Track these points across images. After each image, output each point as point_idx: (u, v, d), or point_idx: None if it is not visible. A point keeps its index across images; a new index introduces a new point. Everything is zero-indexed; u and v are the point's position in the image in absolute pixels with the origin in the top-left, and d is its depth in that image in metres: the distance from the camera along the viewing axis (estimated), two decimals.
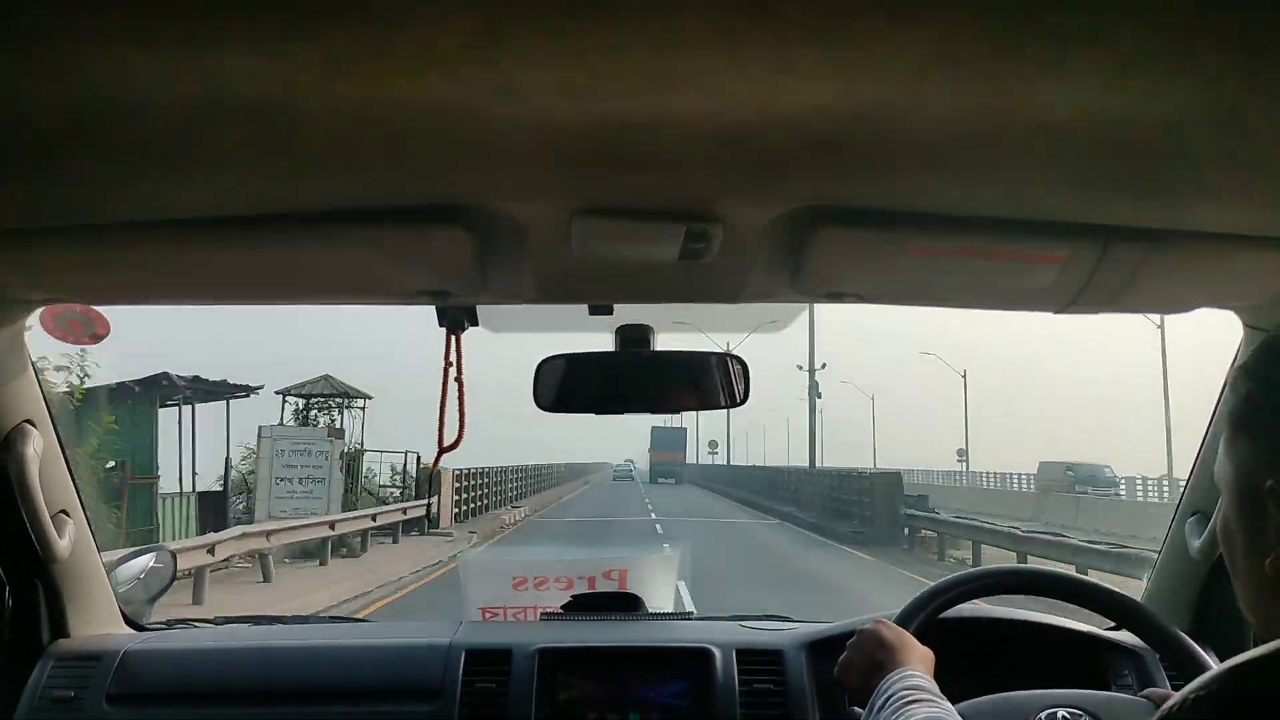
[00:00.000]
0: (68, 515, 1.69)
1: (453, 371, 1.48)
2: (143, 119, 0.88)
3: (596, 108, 0.87)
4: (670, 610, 2.09)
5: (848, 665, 1.31)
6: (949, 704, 1.16)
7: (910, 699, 1.15)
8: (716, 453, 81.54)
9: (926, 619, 1.47)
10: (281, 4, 0.71)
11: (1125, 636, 1.69)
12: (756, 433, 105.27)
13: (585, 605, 2.01)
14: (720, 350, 1.61)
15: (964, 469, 52.47)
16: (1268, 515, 0.71)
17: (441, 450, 1.50)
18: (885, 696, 1.18)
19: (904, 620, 1.45)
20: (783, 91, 0.84)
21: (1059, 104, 0.85)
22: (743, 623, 1.88)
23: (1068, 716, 1.38)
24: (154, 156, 0.98)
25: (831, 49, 0.77)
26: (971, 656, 1.49)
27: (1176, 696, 0.62)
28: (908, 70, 0.80)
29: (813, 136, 0.93)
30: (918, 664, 1.26)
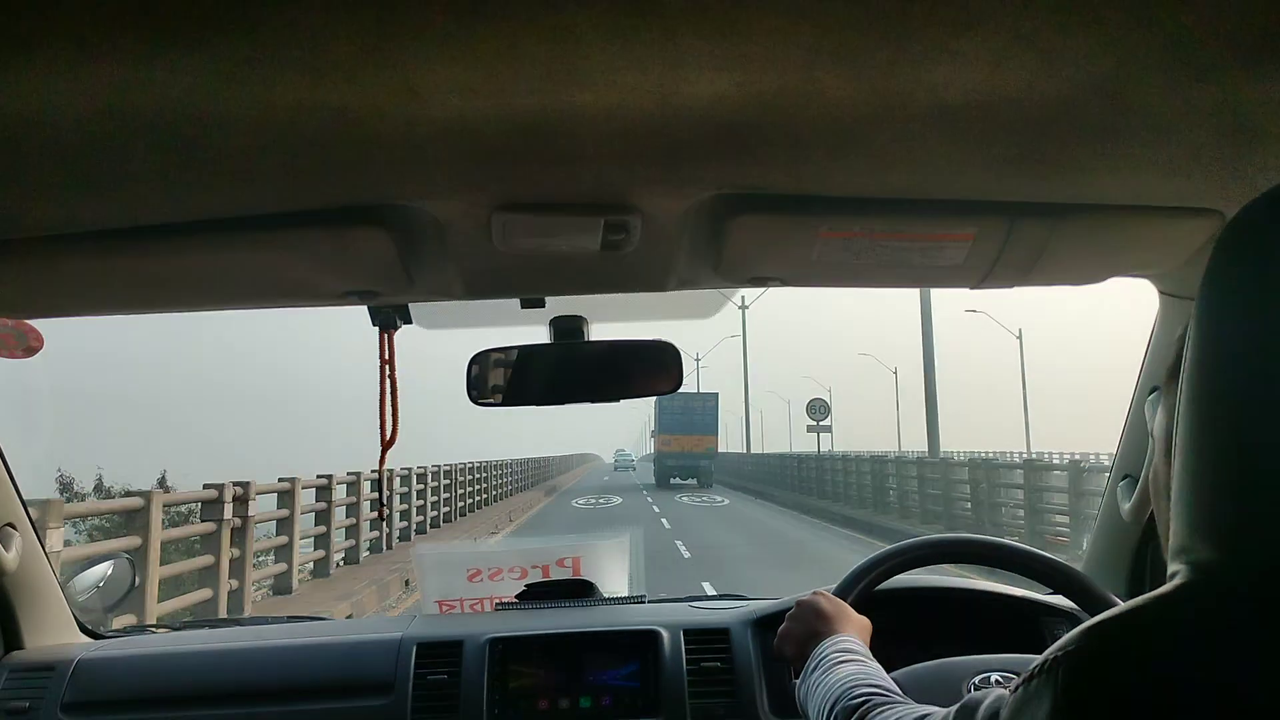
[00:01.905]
0: (14, 528, 1.70)
1: (387, 370, 1.50)
2: (48, 132, 0.89)
3: (500, 105, 0.89)
4: (624, 595, 2.12)
5: (785, 635, 1.35)
6: (878, 665, 1.20)
7: (839, 660, 1.19)
8: (827, 426, 33.56)
9: (865, 590, 1.50)
10: (169, 15, 0.72)
11: (1062, 601, 1.73)
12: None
13: (539, 594, 2.03)
14: (652, 338, 1.63)
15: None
16: None
17: (384, 447, 1.51)
18: (817, 660, 1.22)
19: (842, 591, 1.48)
20: (680, 84, 0.86)
21: (950, 86, 0.88)
22: (693, 604, 1.91)
23: (1001, 679, 1.42)
24: (64, 169, 0.99)
25: (722, 42, 0.79)
26: (912, 627, 1.53)
27: (1039, 658, 0.63)
28: (799, 60, 0.82)
29: (715, 126, 0.96)
30: (853, 632, 1.29)
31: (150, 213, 1.14)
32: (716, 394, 42.38)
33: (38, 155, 0.95)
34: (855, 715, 1.07)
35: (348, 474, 13.33)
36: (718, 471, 42.63)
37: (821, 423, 32.07)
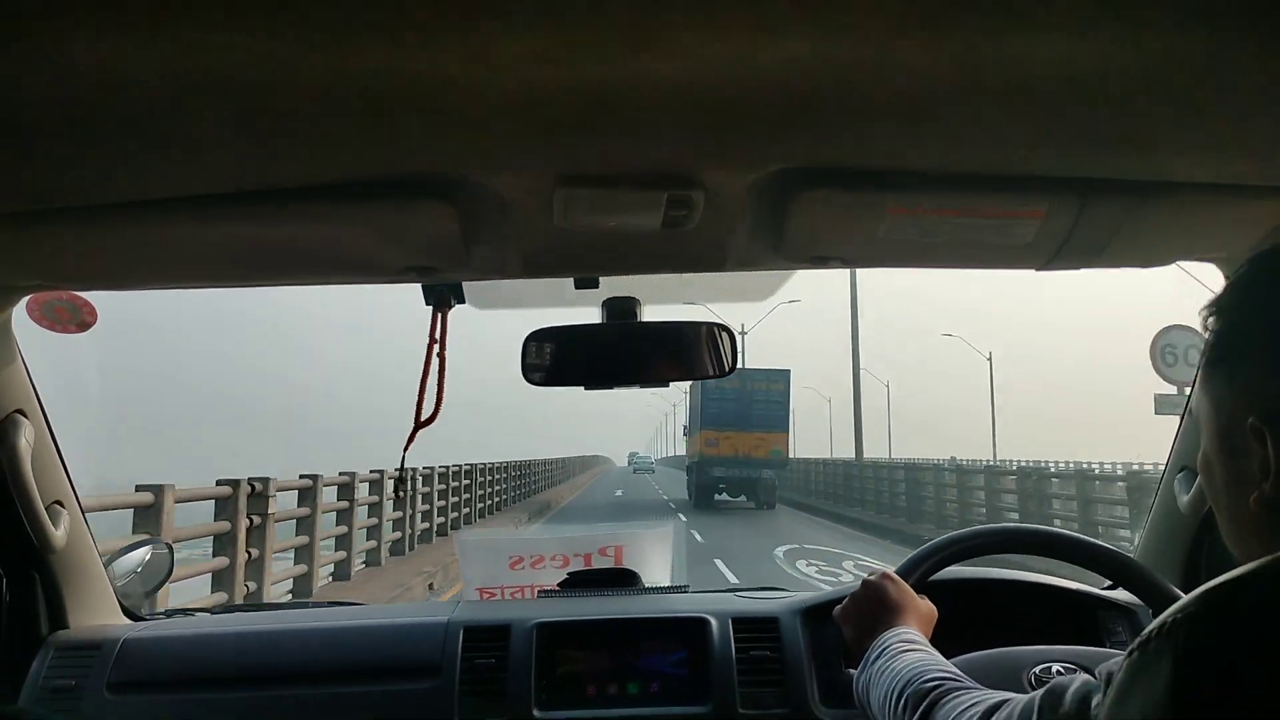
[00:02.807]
0: (62, 506, 1.70)
1: (435, 348, 1.50)
2: (123, 99, 0.88)
3: (574, 73, 0.87)
4: (667, 584, 2.11)
5: (846, 614, 1.34)
6: (941, 656, 1.18)
7: (904, 649, 1.18)
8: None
9: (922, 576, 1.49)
10: None
11: (1119, 594, 1.71)
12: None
13: (582, 582, 2.02)
14: (708, 320, 1.62)
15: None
16: (1250, 452, 0.72)
17: (417, 425, 1.51)
18: (879, 651, 1.20)
19: (905, 573, 1.47)
20: (758, 51, 0.84)
21: (1031, 57, 0.86)
22: (738, 593, 1.89)
23: (1062, 670, 1.40)
24: (136, 136, 0.98)
25: (805, 6, 0.77)
26: (970, 616, 1.51)
27: (1154, 622, 0.63)
28: (880, 27, 0.81)
29: (788, 98, 0.94)
30: (915, 623, 1.27)
31: (215, 181, 1.13)
32: (788, 371, 27.65)
33: (113, 122, 0.94)
34: (928, 700, 1.05)
35: (371, 471, 13.13)
36: (799, 491, 29.81)
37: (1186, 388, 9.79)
